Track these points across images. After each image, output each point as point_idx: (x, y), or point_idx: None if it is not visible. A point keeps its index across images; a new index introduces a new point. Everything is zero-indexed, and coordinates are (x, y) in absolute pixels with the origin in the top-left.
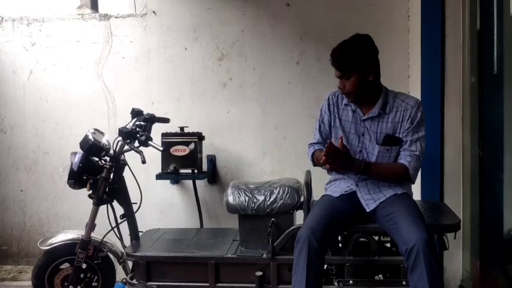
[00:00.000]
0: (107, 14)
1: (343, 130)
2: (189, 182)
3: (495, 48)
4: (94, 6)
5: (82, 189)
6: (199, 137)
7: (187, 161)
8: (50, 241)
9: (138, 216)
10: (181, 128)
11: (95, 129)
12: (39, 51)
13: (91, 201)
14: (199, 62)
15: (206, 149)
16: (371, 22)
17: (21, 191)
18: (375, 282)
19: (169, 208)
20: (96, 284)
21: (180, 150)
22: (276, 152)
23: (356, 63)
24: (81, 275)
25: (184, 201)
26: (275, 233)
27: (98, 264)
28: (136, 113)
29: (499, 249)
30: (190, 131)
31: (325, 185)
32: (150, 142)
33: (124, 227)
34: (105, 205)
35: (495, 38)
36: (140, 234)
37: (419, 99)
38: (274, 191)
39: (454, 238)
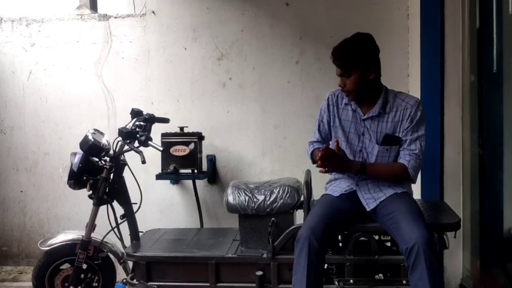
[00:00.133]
0: (106, 14)
1: (343, 130)
2: (189, 182)
3: (494, 47)
4: (93, 6)
5: (82, 190)
6: (199, 137)
7: (187, 161)
8: (50, 242)
9: (138, 216)
10: (181, 128)
11: (94, 129)
12: (38, 51)
13: (91, 201)
14: (199, 61)
15: (206, 149)
16: (370, 21)
17: (21, 191)
18: (376, 281)
19: (170, 208)
20: (96, 284)
21: (180, 150)
22: (276, 151)
23: (357, 62)
24: (82, 276)
25: (184, 201)
26: (275, 233)
27: (98, 264)
28: (136, 113)
29: (499, 248)
30: (190, 131)
31: (325, 184)
32: (150, 142)
33: (124, 227)
34: (105, 205)
35: (494, 36)
36: (140, 234)
37: (419, 98)
38: (274, 190)
39: (454, 237)
